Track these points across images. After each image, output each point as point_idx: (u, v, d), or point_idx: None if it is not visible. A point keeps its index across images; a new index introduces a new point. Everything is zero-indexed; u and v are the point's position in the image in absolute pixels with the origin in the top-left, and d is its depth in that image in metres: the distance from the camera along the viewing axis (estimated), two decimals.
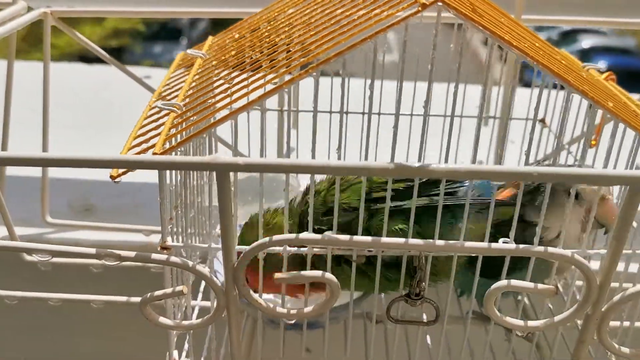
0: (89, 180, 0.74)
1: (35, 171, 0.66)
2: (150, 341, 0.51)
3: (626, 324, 0.46)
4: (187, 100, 0.46)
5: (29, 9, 0.65)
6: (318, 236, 0.38)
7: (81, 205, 0.70)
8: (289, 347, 0.50)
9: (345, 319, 0.48)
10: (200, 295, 0.56)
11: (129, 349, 0.70)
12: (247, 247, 0.38)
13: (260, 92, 0.39)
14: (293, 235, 0.38)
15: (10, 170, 0.65)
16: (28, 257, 0.61)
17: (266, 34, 0.49)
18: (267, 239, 0.38)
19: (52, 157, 0.35)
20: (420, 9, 0.34)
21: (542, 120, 0.63)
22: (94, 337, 0.69)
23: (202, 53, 0.55)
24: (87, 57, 1.00)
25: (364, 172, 0.35)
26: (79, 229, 0.66)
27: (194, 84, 0.49)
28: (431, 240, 0.38)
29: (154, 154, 0.38)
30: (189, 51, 0.55)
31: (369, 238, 0.38)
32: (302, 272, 0.39)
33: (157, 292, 0.42)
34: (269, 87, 0.38)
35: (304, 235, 0.38)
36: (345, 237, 0.38)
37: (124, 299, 0.54)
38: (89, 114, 0.99)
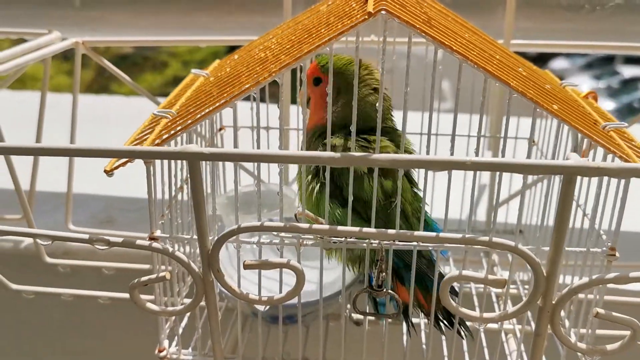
0: (112, 196, 0.80)
1: (63, 186, 0.72)
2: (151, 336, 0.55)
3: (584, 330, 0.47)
4: (181, 108, 0.51)
5: (64, 39, 0.73)
6: (281, 224, 0.42)
7: (104, 217, 0.76)
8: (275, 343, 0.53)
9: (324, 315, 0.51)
10: None
11: (130, 344, 0.74)
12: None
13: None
14: (258, 223, 0.42)
15: (40, 186, 0.72)
16: (48, 260, 0.67)
17: (257, 52, 0.54)
18: (235, 226, 0.42)
19: (35, 147, 0.41)
20: (367, 17, 0.39)
21: (533, 141, 0.66)
22: (99, 333, 0.74)
23: (205, 72, 0.60)
24: None
25: (320, 161, 0.38)
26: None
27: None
28: (385, 230, 0.41)
29: (149, 145, 0.43)
30: (193, 71, 0.61)
31: (326, 226, 0.41)
32: (270, 259, 0.43)
33: (144, 278, 0.46)
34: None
35: (269, 223, 0.42)
36: (305, 225, 0.41)
37: (126, 295, 0.58)
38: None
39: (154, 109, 0.78)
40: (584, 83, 5.49)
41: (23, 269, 0.65)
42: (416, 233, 0.40)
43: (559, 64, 5.84)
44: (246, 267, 0.43)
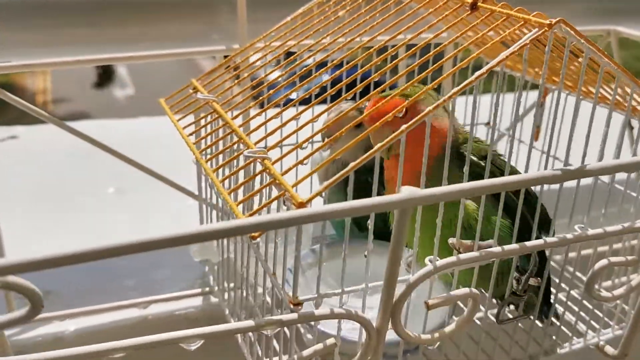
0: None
1: None
2: None
3: None
4: (263, 145, 0.43)
5: None
6: (477, 253, 0.39)
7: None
8: None
9: None
10: None
11: None
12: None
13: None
14: (454, 258, 0.39)
15: None
16: None
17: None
18: (430, 266, 0.38)
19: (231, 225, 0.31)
20: (547, 29, 0.38)
21: (488, 124, 0.72)
22: None
23: (213, 97, 0.51)
24: None
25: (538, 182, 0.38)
26: (69, 317, 0.55)
27: (242, 128, 0.46)
28: (564, 236, 0.42)
29: (300, 204, 0.36)
30: (199, 96, 0.51)
31: (516, 246, 0.40)
32: (452, 293, 0.40)
33: (307, 351, 0.38)
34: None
35: (465, 255, 0.39)
36: (498, 249, 0.40)
37: None
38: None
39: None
40: None
41: None
42: (589, 233, 0.42)
43: None
44: (431, 307, 0.40)
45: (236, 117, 0.48)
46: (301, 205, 0.36)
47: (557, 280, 0.49)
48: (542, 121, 0.64)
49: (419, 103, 0.46)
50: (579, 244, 0.48)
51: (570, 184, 0.42)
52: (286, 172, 0.39)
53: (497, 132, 0.71)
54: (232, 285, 0.52)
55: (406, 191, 0.35)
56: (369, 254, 0.40)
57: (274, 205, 0.39)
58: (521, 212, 0.42)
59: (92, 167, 0.86)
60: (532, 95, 0.72)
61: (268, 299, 0.52)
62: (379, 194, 0.36)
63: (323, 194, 0.53)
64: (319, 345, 0.39)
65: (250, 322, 0.36)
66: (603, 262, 0.44)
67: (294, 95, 0.49)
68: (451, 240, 0.42)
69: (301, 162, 0.40)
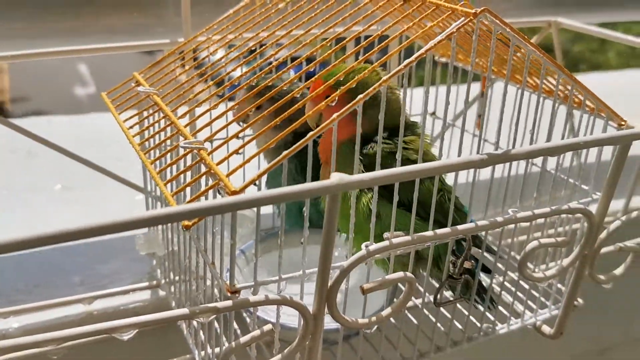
0: None
1: None
2: None
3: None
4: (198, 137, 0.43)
5: None
6: (409, 238, 0.40)
7: None
8: None
9: None
10: None
11: None
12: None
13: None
14: (386, 243, 0.40)
15: None
16: None
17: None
18: (364, 251, 0.39)
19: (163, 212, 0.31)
20: (472, 18, 0.39)
21: (433, 113, 0.73)
22: None
23: (153, 90, 0.51)
24: None
25: (473, 165, 0.39)
26: (13, 314, 0.54)
27: (184, 120, 0.46)
28: (495, 219, 0.43)
29: (233, 192, 0.36)
30: (140, 89, 0.51)
31: (448, 229, 0.41)
32: (387, 277, 0.41)
33: (244, 338, 0.39)
34: None
35: (397, 240, 0.40)
36: (430, 233, 0.41)
37: None
38: None
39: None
40: None
41: None
42: (518, 215, 0.44)
43: None
44: (366, 291, 0.40)
45: (176, 108, 0.48)
46: (234, 193, 0.36)
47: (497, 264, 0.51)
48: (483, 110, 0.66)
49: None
50: (515, 230, 0.50)
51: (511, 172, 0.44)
52: (221, 162, 0.39)
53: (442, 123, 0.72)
54: (177, 278, 0.52)
55: (335, 177, 0.35)
56: (306, 241, 0.40)
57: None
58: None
59: (39, 164, 0.85)
60: (475, 87, 0.75)
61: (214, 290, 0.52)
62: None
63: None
64: (256, 332, 0.39)
65: (184, 310, 0.36)
66: (534, 243, 0.46)
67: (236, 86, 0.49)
68: (386, 235, 0.43)
69: (236, 152, 0.40)
